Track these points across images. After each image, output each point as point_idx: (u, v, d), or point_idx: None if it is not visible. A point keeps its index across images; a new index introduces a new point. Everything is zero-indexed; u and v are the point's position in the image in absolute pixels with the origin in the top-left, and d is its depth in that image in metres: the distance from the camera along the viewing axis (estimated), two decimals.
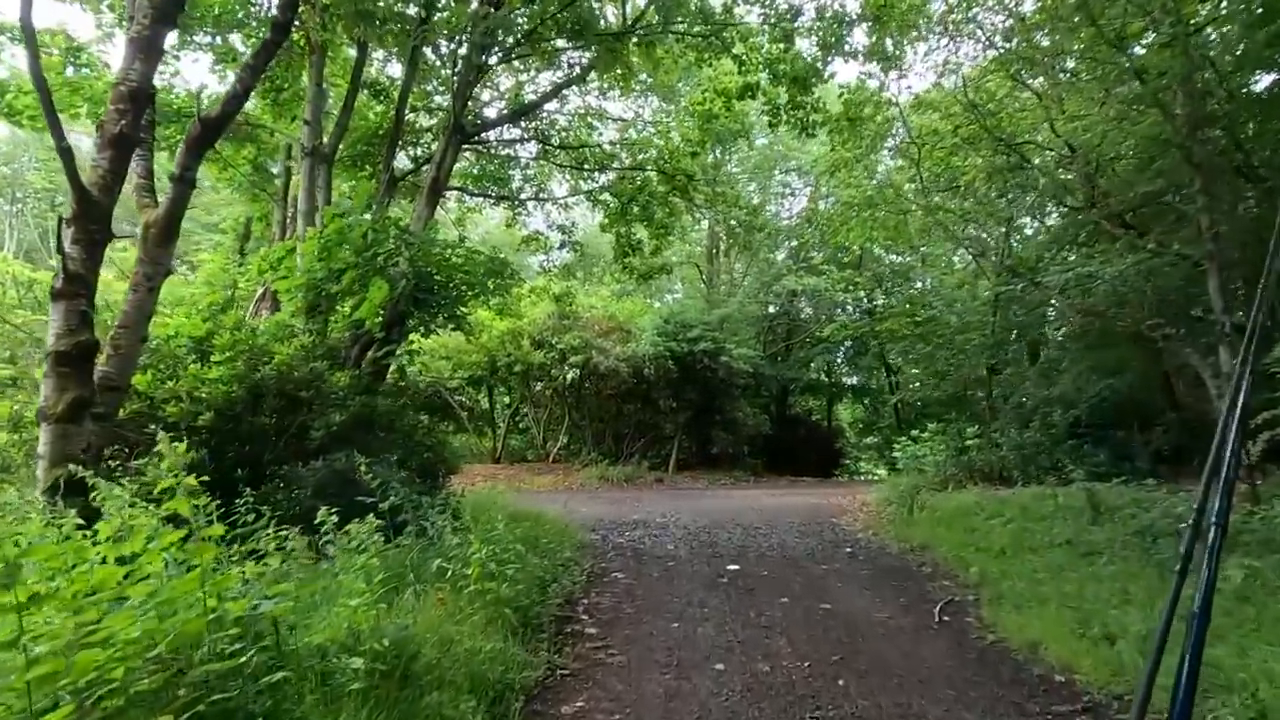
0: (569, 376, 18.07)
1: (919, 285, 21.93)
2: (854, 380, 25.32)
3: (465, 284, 8.28)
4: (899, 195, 12.60)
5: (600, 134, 12.58)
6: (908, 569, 6.92)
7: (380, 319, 7.57)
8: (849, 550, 7.93)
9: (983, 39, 11.52)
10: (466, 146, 10.82)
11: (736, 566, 6.96)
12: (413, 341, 8.92)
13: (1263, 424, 6.43)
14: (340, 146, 10.13)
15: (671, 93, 13.51)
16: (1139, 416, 12.35)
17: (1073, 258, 11.70)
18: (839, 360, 25.53)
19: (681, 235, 15.42)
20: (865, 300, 18.92)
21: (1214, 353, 7.23)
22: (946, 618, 5.17)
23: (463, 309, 8.37)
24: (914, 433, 15.02)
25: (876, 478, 31.35)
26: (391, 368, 8.90)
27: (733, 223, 13.03)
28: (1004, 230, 14.14)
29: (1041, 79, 10.57)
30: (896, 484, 13.04)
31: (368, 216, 7.65)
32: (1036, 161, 11.78)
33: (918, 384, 23.87)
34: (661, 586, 6.24)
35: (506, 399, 22.71)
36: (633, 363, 17.75)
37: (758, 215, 13.50)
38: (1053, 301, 11.76)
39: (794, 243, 21.75)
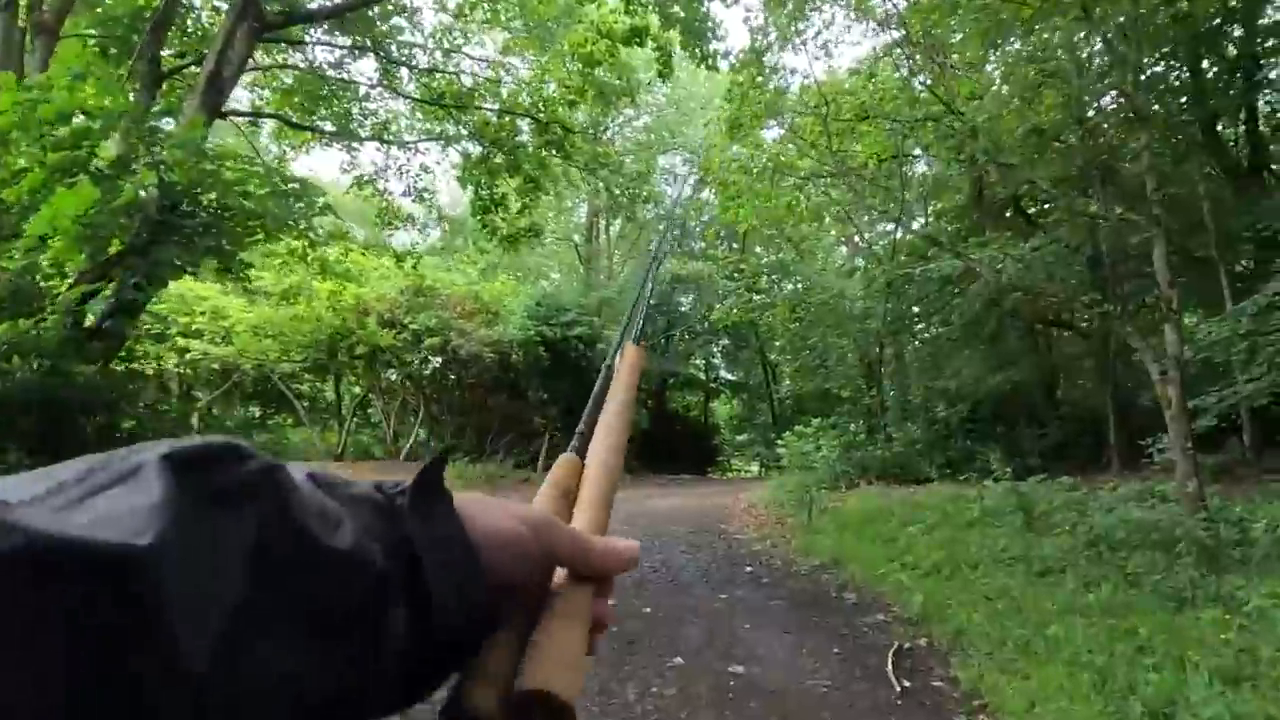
0: (424, 362, 15.49)
1: (797, 282, 21.25)
2: (732, 376, 24.34)
3: (243, 211, 5.80)
4: (793, 168, 11.29)
5: (460, 65, 10.27)
6: (827, 597, 5.30)
7: (86, 252, 4.98)
8: (750, 570, 6.24)
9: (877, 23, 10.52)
10: (274, 46, 8.20)
11: (611, 600, 5.05)
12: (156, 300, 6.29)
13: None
14: (84, 27, 7.21)
15: (548, 34, 11.43)
16: (1025, 411, 11.80)
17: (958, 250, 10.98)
18: (717, 355, 24.50)
19: (556, 199, 13.35)
20: (751, 286, 17.76)
21: (1155, 333, 6.25)
22: (907, 682, 3.52)
23: (236, 244, 5.87)
24: (798, 428, 13.87)
25: (749, 474, 30.97)
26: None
27: (615, 191, 11.11)
28: (898, 216, 13.30)
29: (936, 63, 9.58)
30: (783, 484, 11.74)
31: (74, 91, 5.02)
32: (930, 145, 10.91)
33: (797, 378, 23.33)
34: None
35: (356, 389, 19.60)
36: (499, 348, 15.47)
37: (644, 183, 11.69)
38: (951, 287, 10.88)
39: (677, 230, 20.29)
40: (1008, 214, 11.75)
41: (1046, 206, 10.43)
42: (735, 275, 17.92)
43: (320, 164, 24.34)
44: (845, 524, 7.34)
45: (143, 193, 5.25)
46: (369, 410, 19.63)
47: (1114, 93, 7.32)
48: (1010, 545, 5.52)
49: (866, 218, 15.14)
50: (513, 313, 16.32)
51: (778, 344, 23.61)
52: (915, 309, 12.71)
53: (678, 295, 21.33)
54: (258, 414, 21.59)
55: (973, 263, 7.16)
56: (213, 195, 5.70)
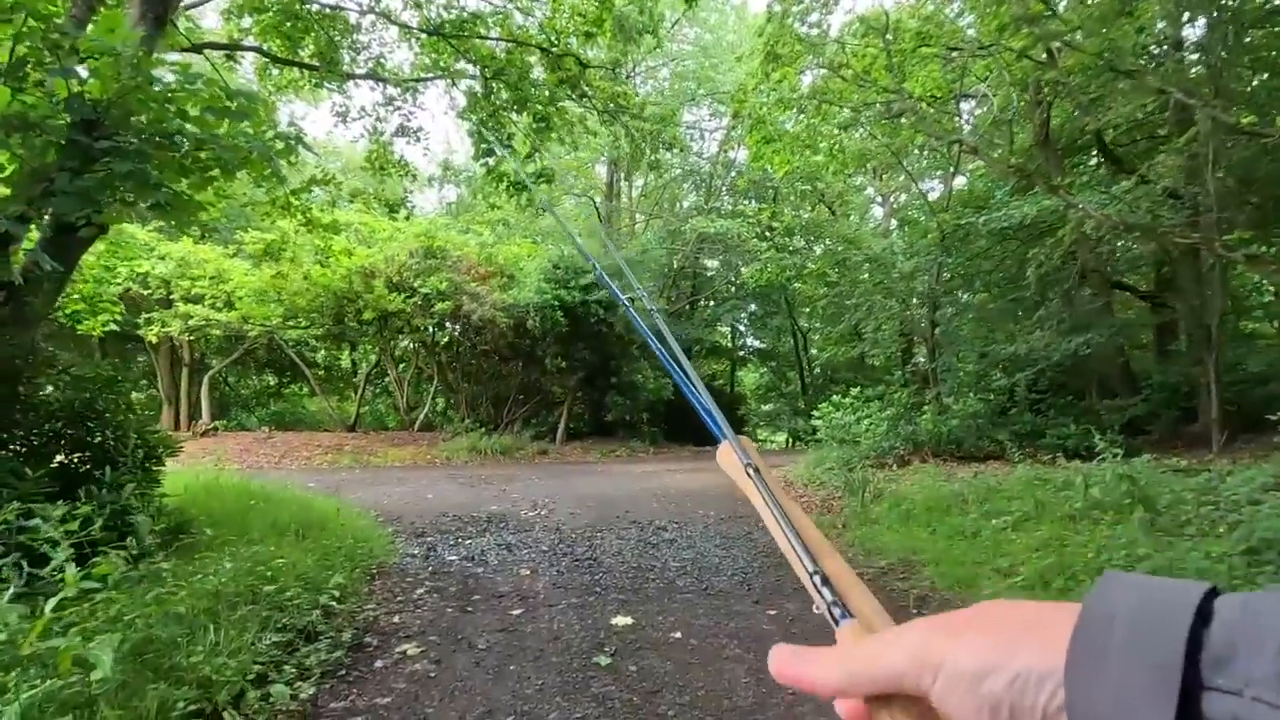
0: (433, 327, 14.46)
1: (831, 243, 19.73)
2: (759, 343, 23.01)
3: (188, 139, 4.67)
4: (842, 98, 9.84)
5: None
6: (906, 615, 4.16)
7: None
8: None
9: None
10: None
11: (628, 620, 3.94)
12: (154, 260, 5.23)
13: None
14: None
15: None
16: (1095, 381, 10.41)
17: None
18: (744, 321, 23.15)
19: (572, 147, 12.07)
20: (783, 245, 16.30)
21: None
22: None
23: (174, 180, 4.72)
24: (834, 398, 12.58)
25: (775, 444, 29.80)
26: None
27: (635, 136, 9.79)
28: (954, 162, 11.80)
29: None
30: (822, 459, 10.57)
31: None
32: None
33: (830, 345, 21.94)
34: (482, 685, 3.12)
35: (371, 357, 18.71)
36: (514, 313, 14.35)
37: (668, 126, 10.35)
38: (1016, 240, 9.46)
39: (702, 190, 18.87)
40: (1085, 154, 10.22)
41: (1137, 142, 8.94)
42: (766, 234, 16.51)
43: (310, 122, 22.98)
44: (910, 513, 6.14)
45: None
46: (386, 379, 18.75)
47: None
48: (1137, 549, 4.29)
49: (916, 165, 13.62)
50: (529, 275, 15.16)
51: (808, 310, 22.23)
52: (972, 266, 11.26)
53: (704, 257, 19.98)
54: (273, 383, 20.88)
55: (1070, 201, 5.80)
56: (144, 118, 4.57)
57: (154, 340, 14.41)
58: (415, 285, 13.90)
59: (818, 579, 0.43)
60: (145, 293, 13.99)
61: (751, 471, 0.56)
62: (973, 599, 4.08)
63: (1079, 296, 9.80)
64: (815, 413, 12.60)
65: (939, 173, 15.32)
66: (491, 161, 8.40)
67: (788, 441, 27.84)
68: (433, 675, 3.20)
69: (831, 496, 8.10)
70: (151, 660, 2.67)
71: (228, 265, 13.56)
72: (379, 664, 3.32)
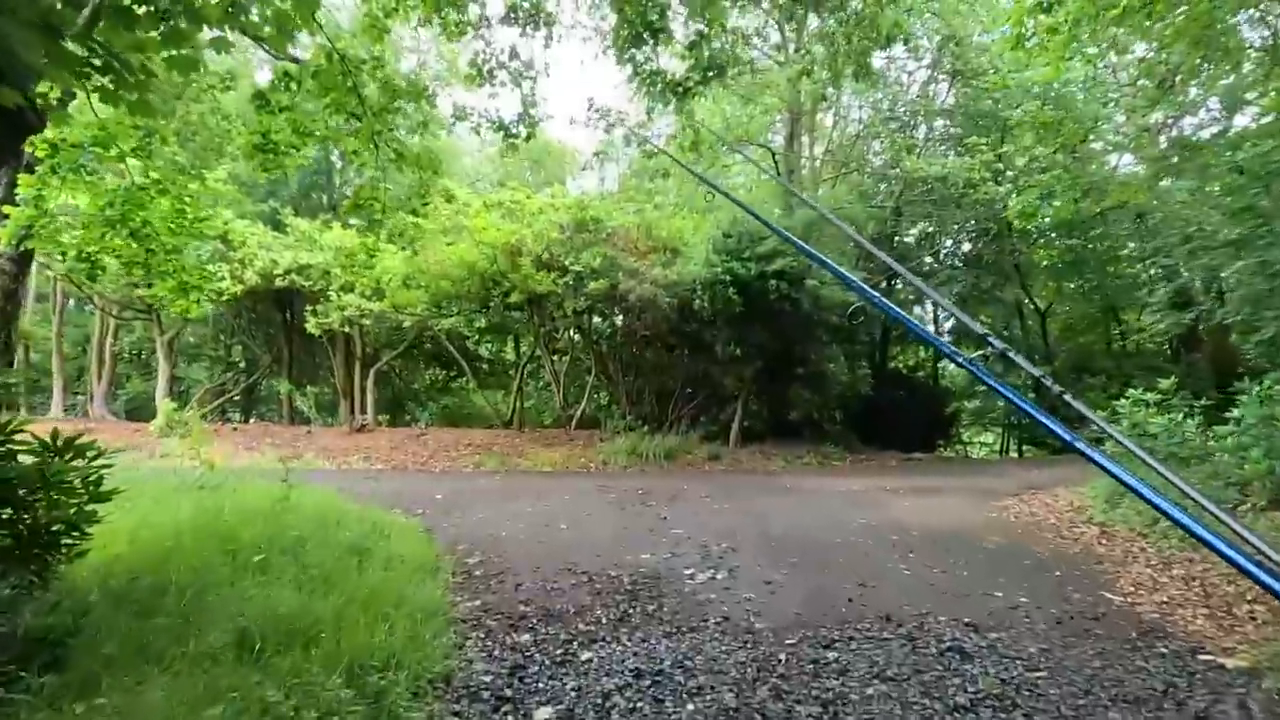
0: (587, 310, 12.25)
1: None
2: (981, 326, 18.25)
3: None
4: None
5: None
6: None
7: None
8: None
9: None
10: None
11: None
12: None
13: None
14: None
15: None
16: None
17: None
18: (951, 296, 18.46)
19: (746, 67, 9.08)
20: (1034, 180, 11.87)
21: None
22: None
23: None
24: (1131, 393, 8.32)
25: (987, 448, 24.39)
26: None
27: (838, 29, 6.60)
28: None
29: None
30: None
31: None
32: None
33: (1082, 324, 16.83)
34: None
35: (528, 349, 17.16)
36: (678, 292, 11.71)
37: (885, 5, 6.99)
38: None
39: (900, 137, 14.89)
40: None
41: None
42: (1000, 177, 12.28)
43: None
44: None
45: None
46: (540, 372, 17.08)
47: None
48: None
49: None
50: (694, 249, 12.44)
51: (1043, 287, 17.21)
52: None
53: (905, 219, 15.95)
54: (440, 377, 20.20)
55: None
56: None
57: (316, 333, 13.71)
58: (566, 263, 11.76)
59: None
60: (307, 284, 13.28)
61: None
62: None
63: None
64: (1118, 412, 8.49)
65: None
66: (640, 56, 5.73)
67: (1002, 446, 22.52)
68: None
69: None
70: None
71: (376, 249, 12.34)
72: None
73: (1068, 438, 1.44)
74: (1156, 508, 1.25)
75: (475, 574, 4.50)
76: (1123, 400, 8.23)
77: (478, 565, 4.71)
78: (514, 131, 5.67)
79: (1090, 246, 16.40)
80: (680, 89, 5.91)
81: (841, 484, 9.33)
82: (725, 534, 5.71)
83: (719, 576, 4.39)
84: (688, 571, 4.53)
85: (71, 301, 19.45)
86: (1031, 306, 16.52)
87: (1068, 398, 1.60)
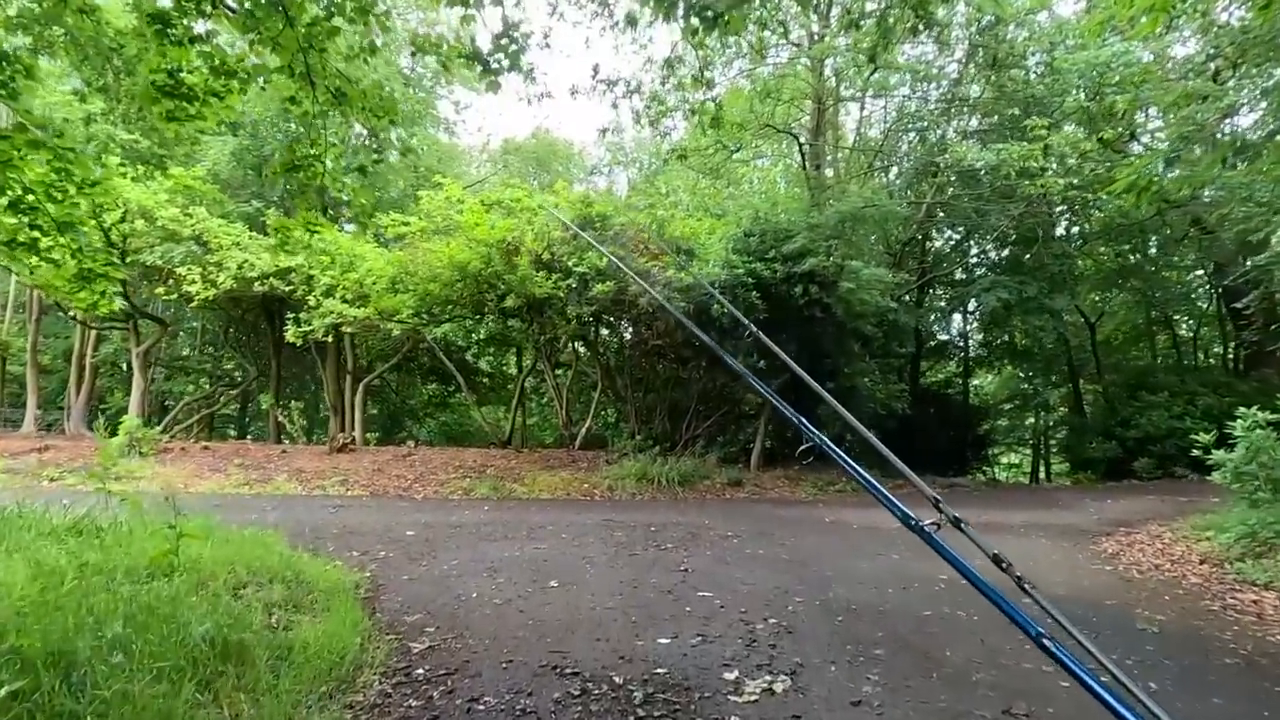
0: (591, 316, 10.82)
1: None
2: (1016, 338, 16.69)
3: None
4: None
5: None
6: None
7: None
8: None
9: None
10: None
11: None
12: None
13: None
14: None
15: None
16: None
17: None
18: (975, 312, 16.78)
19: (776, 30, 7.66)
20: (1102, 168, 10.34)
21: None
22: None
23: None
24: (1246, 411, 6.72)
25: (1016, 470, 22.59)
26: None
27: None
28: None
29: None
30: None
31: None
32: None
33: (1132, 339, 15.20)
34: None
35: (528, 361, 15.72)
36: (694, 297, 10.27)
37: None
38: None
39: (940, 124, 13.47)
40: None
41: None
42: (1050, 166, 10.76)
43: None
44: None
45: None
46: (540, 386, 15.65)
47: None
48: None
49: None
50: (710, 250, 11.03)
51: (1094, 294, 15.61)
52: None
53: (936, 223, 14.47)
54: (436, 392, 18.75)
55: None
56: None
57: (298, 343, 12.34)
58: (569, 264, 10.35)
59: None
60: (287, 290, 11.93)
61: None
62: None
63: None
64: (1234, 431, 6.92)
65: None
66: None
67: (1034, 470, 20.74)
68: None
69: None
70: None
71: (359, 250, 11.02)
72: None
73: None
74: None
75: (417, 673, 3.02)
76: (1236, 422, 6.63)
77: (424, 656, 3.22)
78: (492, 65, 4.27)
79: (1139, 254, 14.86)
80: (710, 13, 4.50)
81: (889, 517, 7.76)
82: (770, 601, 4.19)
83: (777, 688, 2.87)
84: (728, 676, 3.01)
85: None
86: (1082, 318, 14.93)
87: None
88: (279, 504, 8.30)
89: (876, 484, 1.39)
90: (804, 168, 11.84)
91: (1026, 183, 10.15)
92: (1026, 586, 1.11)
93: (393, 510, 7.97)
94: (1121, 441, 13.36)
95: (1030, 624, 1.01)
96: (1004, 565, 1.16)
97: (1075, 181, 10.74)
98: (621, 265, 6.54)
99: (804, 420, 1.62)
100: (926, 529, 1.22)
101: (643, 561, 5.29)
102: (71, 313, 15.80)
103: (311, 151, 4.43)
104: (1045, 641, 1.00)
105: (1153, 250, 14.74)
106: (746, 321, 2.53)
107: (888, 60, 12.14)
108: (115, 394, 19.52)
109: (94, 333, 16.47)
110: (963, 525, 1.25)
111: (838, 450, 1.55)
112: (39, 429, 16.19)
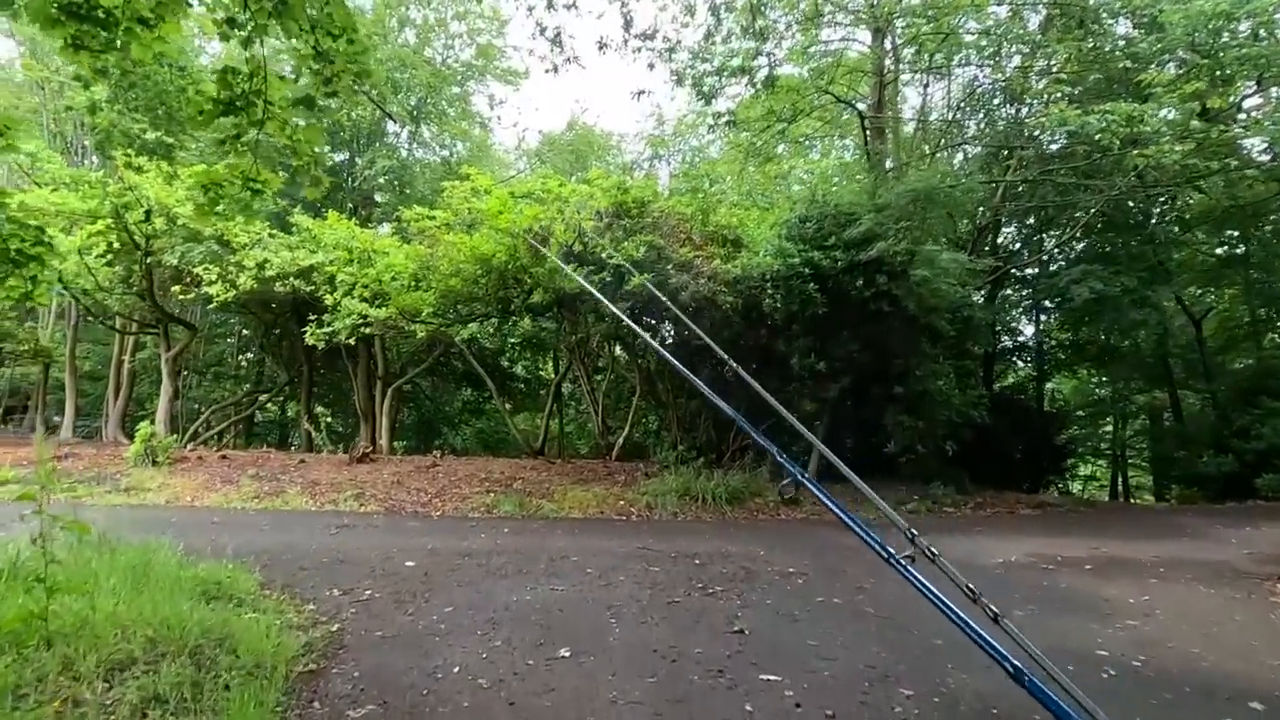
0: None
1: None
2: (1093, 336, 14.77)
3: None
4: None
5: None
6: None
7: None
8: None
9: None
10: None
11: None
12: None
13: None
14: None
15: None
16: None
17: None
18: (1053, 309, 14.85)
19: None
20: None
21: None
22: None
23: None
24: None
25: (1096, 484, 20.39)
26: None
27: None
28: None
29: None
30: None
31: None
32: None
33: (1234, 338, 13.21)
34: None
35: (562, 365, 14.66)
36: (743, 290, 9.04)
37: None
38: None
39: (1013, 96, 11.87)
40: None
41: None
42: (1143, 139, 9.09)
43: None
44: None
45: None
46: (574, 392, 14.58)
47: None
48: None
49: None
50: (759, 240, 9.77)
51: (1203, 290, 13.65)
52: None
53: (1013, 210, 12.80)
54: (473, 398, 17.86)
55: None
56: None
57: (319, 346, 11.56)
58: (602, 255, 9.23)
59: None
60: (309, 290, 11.15)
61: None
62: None
63: None
64: None
65: None
66: None
67: (1113, 484, 18.58)
68: None
69: None
70: None
71: (379, 244, 10.16)
72: None
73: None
74: None
75: None
76: None
77: None
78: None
79: (1255, 241, 12.87)
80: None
81: (986, 549, 6.34)
82: (867, 693, 2.93)
83: None
84: None
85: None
86: (1185, 314, 13.01)
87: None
88: (281, 521, 7.40)
89: (853, 517, 1.41)
90: (866, 144, 10.42)
91: (1135, 152, 8.54)
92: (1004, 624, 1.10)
93: (401, 532, 6.95)
94: (1239, 455, 11.46)
95: (1006, 657, 1.10)
96: (976, 597, 1.23)
97: (1189, 149, 9.05)
98: (629, 268, 5.35)
99: (781, 452, 1.78)
100: (901, 562, 1.22)
101: (684, 615, 4.08)
102: (109, 319, 15.54)
103: (249, 86, 3.39)
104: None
105: (1268, 233, 12.74)
106: (724, 355, 2.73)
107: (952, 26, 10.67)
108: (154, 400, 19.34)
109: (132, 339, 16.19)
110: (936, 558, 1.26)
111: (816, 485, 1.63)
112: (77, 436, 15.96)
